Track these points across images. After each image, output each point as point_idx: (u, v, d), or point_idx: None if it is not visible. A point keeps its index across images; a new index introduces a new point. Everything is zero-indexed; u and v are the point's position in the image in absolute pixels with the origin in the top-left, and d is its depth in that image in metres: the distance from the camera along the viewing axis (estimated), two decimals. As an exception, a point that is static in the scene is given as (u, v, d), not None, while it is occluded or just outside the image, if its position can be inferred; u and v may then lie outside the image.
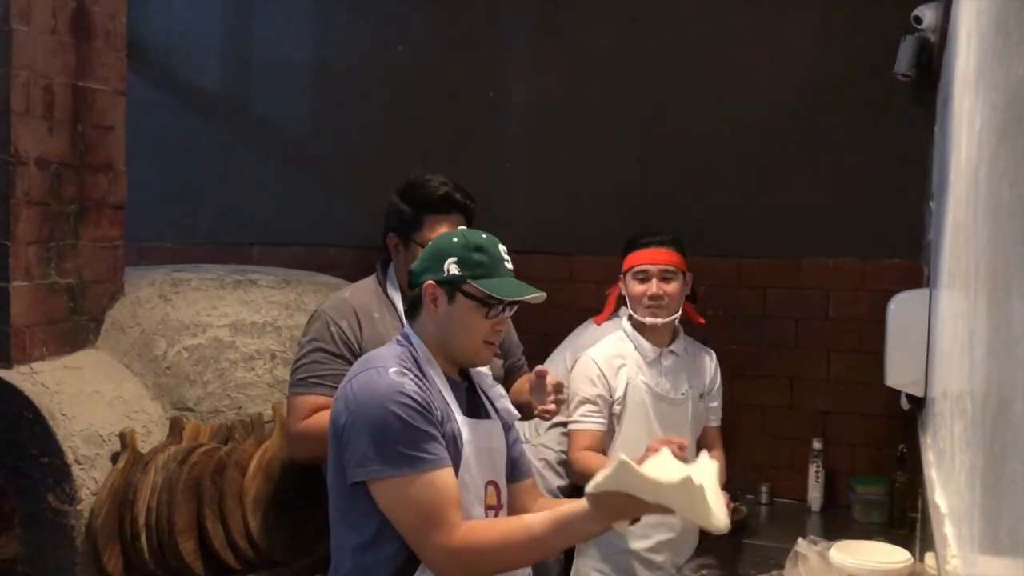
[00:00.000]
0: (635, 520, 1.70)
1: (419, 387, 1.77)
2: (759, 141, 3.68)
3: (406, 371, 1.79)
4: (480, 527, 1.76)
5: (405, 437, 1.71)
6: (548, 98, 4.04)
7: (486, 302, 1.83)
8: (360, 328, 2.33)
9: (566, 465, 2.93)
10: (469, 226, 2.44)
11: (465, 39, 4.17)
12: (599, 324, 3.22)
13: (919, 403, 2.86)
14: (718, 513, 1.59)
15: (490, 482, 1.89)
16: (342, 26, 4.42)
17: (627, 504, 1.63)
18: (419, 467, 1.71)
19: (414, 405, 1.73)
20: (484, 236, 1.91)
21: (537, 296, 1.86)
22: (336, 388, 1.92)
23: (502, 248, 1.90)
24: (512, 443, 2.03)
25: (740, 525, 3.09)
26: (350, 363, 2.14)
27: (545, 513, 1.74)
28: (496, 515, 1.89)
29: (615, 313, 3.25)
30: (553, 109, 4.03)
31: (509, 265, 1.90)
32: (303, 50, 4.47)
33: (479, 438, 1.87)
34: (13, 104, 2.43)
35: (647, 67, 3.84)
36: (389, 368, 1.78)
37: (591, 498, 1.64)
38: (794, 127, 3.63)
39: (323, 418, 2.12)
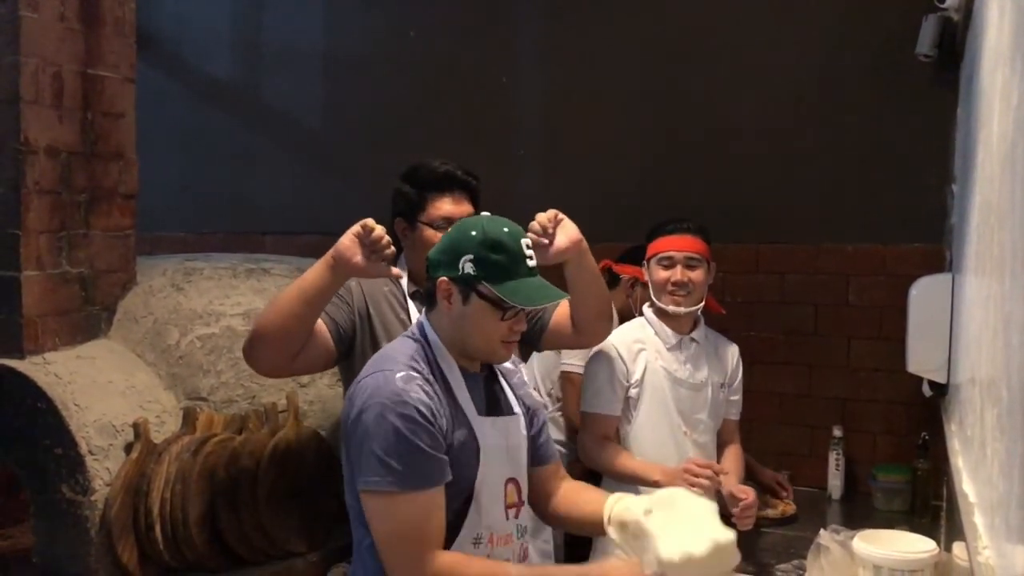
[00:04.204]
0: None
1: (427, 393, 1.71)
2: (777, 124, 3.62)
3: (415, 374, 1.73)
4: (459, 562, 1.69)
5: (399, 451, 1.66)
6: (562, 83, 4.00)
7: (501, 305, 1.75)
8: (362, 286, 2.42)
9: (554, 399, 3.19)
10: (475, 203, 2.43)
11: (477, 24, 4.13)
12: None
13: (942, 390, 2.81)
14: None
15: (510, 480, 1.85)
16: (353, 12, 4.39)
17: (631, 570, 1.69)
18: (407, 485, 1.65)
19: (415, 417, 1.67)
20: (506, 230, 1.77)
21: (558, 300, 1.81)
22: (328, 317, 2.26)
23: (524, 243, 1.78)
24: (538, 430, 1.99)
25: (791, 518, 3.07)
26: (345, 300, 2.35)
27: (533, 568, 1.77)
28: (517, 512, 1.86)
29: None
30: (567, 94, 3.98)
31: (531, 263, 1.78)
32: (314, 37, 4.44)
33: (497, 436, 1.83)
34: (22, 92, 2.41)
35: (662, 51, 3.79)
36: (397, 372, 1.72)
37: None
38: (812, 110, 3.58)
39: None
